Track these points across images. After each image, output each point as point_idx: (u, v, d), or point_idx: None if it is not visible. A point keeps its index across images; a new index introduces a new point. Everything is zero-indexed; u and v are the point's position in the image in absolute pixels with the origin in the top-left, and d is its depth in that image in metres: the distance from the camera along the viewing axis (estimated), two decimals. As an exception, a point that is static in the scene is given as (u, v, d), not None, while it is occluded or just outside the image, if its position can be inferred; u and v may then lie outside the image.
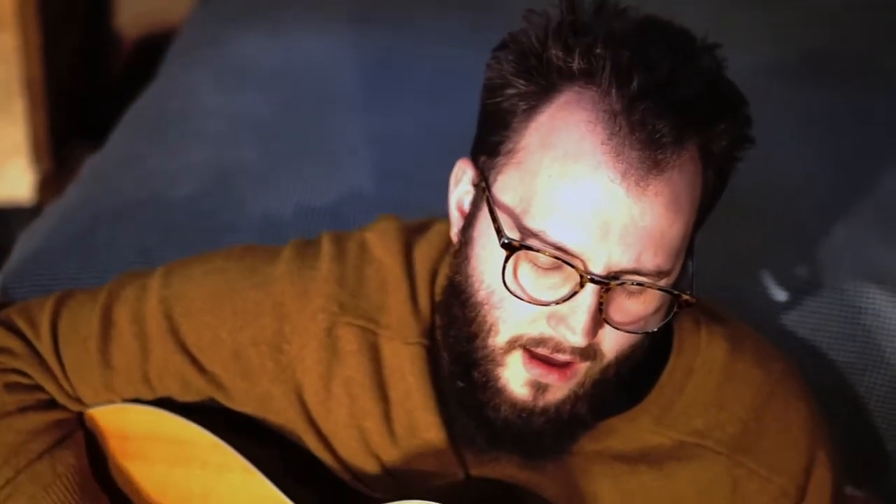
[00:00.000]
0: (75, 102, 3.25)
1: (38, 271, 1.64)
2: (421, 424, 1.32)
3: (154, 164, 1.82)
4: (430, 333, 1.33)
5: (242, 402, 1.36)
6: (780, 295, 1.63)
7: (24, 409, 1.37)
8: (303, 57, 2.06)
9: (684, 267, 1.23)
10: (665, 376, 1.32)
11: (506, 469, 1.31)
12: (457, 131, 1.46)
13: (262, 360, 1.34)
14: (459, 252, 1.26)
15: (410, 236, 1.37)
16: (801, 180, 1.79)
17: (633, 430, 1.31)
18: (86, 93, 3.31)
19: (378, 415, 1.32)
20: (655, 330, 1.22)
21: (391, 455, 1.32)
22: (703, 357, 1.33)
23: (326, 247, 1.36)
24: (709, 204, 1.24)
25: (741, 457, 1.32)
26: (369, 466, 1.33)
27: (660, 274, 1.19)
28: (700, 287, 1.57)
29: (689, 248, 1.24)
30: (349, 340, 1.33)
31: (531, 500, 1.31)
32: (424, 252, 1.35)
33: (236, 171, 1.79)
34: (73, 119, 3.23)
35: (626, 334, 1.21)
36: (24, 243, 1.73)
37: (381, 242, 1.36)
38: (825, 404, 1.57)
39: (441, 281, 1.33)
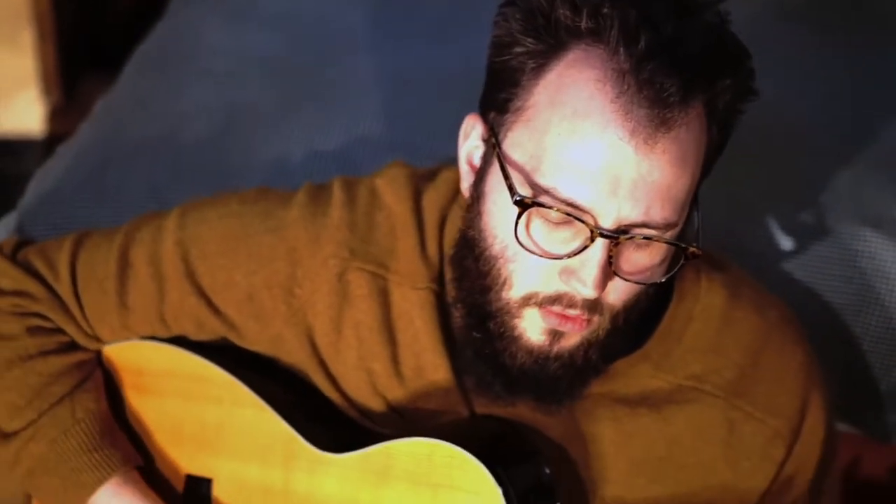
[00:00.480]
0: (85, 33, 3.25)
1: (52, 210, 1.68)
2: (428, 366, 1.36)
3: (163, 104, 1.84)
4: (438, 279, 1.36)
5: (255, 342, 1.40)
6: (780, 239, 1.66)
7: (45, 353, 1.41)
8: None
9: (689, 218, 1.27)
10: (665, 323, 1.36)
11: (510, 408, 1.35)
12: (464, 72, 1.48)
13: (274, 303, 1.38)
14: (472, 207, 1.29)
15: (419, 183, 1.40)
16: (801, 126, 1.80)
17: (634, 374, 1.35)
18: (95, 23, 3.31)
19: (386, 357, 1.36)
20: (662, 280, 1.25)
21: (398, 395, 1.37)
22: (702, 304, 1.37)
23: (338, 193, 1.39)
24: (713, 156, 1.27)
25: (737, 400, 1.36)
26: (377, 406, 1.38)
27: (667, 226, 1.22)
28: (702, 232, 1.60)
29: (694, 200, 1.27)
30: (359, 285, 1.36)
31: (534, 438, 1.35)
32: (433, 199, 1.38)
33: (244, 111, 1.80)
34: (83, 50, 3.24)
35: (633, 285, 1.24)
36: (38, 182, 1.76)
37: (390, 189, 1.39)
38: (822, 345, 1.61)
39: (450, 228, 1.36)
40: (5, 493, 1.46)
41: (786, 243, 1.66)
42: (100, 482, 1.38)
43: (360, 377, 1.37)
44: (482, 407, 1.36)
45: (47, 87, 3.21)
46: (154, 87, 1.89)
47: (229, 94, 1.83)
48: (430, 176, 1.41)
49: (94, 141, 1.80)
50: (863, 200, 1.69)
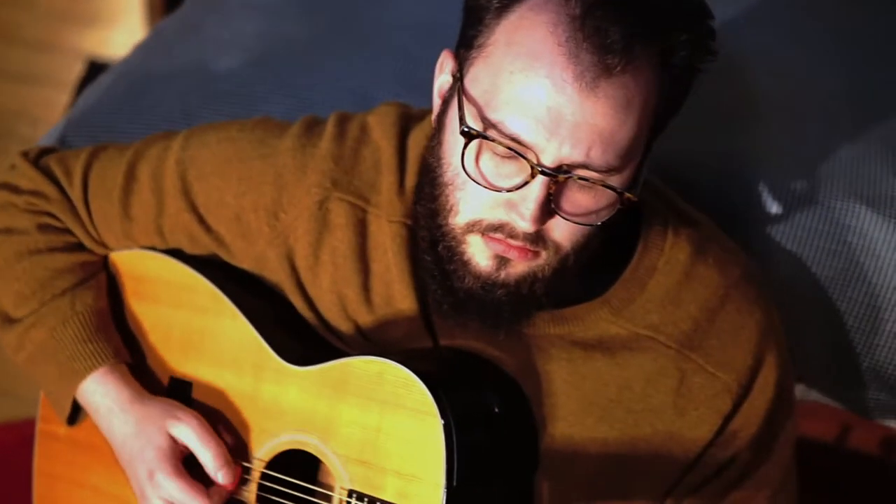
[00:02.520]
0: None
1: (92, 123, 1.80)
2: (396, 296, 1.44)
3: (207, 32, 1.92)
4: (413, 214, 1.44)
5: (241, 259, 1.50)
6: (772, 205, 1.66)
7: (53, 249, 1.54)
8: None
9: (640, 168, 1.32)
10: (628, 272, 1.42)
11: (471, 342, 1.43)
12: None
13: (259, 225, 1.47)
14: (433, 136, 1.36)
15: (408, 122, 1.48)
16: (816, 93, 1.79)
17: (593, 318, 1.42)
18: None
19: (358, 284, 1.45)
20: (598, 224, 1.31)
21: (366, 321, 1.45)
22: (666, 257, 1.42)
23: (330, 127, 1.48)
24: (668, 110, 1.32)
25: (689, 352, 1.42)
26: (347, 328, 1.46)
27: (609, 170, 1.28)
28: (692, 190, 1.63)
29: (646, 151, 1.32)
30: (339, 214, 1.45)
31: (490, 368, 1.42)
32: (418, 138, 1.46)
33: (280, 44, 1.88)
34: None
35: (579, 225, 1.31)
36: (85, 96, 1.87)
37: (379, 126, 1.47)
38: (806, 318, 1.64)
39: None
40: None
41: (777, 210, 1.66)
42: (89, 370, 1.49)
43: (333, 300, 1.46)
44: (445, 339, 1.44)
45: (152, 15, 3.35)
46: (202, 16, 1.97)
47: (267, 27, 1.91)
48: (420, 116, 1.49)
49: (139, 62, 1.90)
50: (860, 175, 1.67)
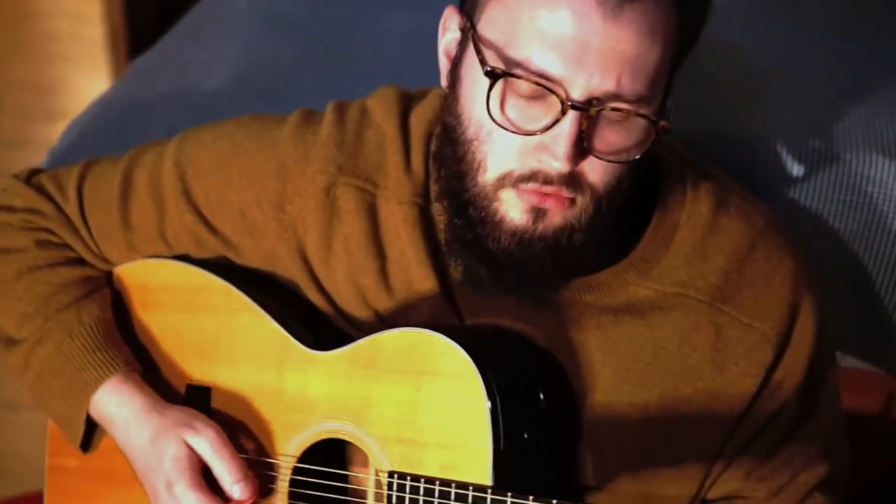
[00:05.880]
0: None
1: (78, 154, 1.75)
2: (416, 278, 1.39)
3: (188, 57, 1.91)
4: (423, 193, 1.39)
5: (251, 258, 1.45)
6: (790, 165, 1.64)
7: (53, 265, 1.48)
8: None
9: (664, 104, 1.28)
10: (650, 232, 1.37)
11: (497, 319, 1.37)
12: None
13: (266, 219, 1.42)
14: (449, 94, 1.32)
15: (409, 102, 1.44)
16: (819, 57, 1.79)
17: (619, 283, 1.37)
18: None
19: (374, 271, 1.39)
20: (638, 157, 1.26)
21: (388, 307, 1.40)
22: (687, 212, 1.38)
23: (329, 114, 1.44)
24: (687, 40, 1.29)
25: (723, 305, 1.36)
26: (368, 317, 1.41)
27: (639, 99, 1.24)
28: (710, 157, 1.59)
29: (668, 87, 1.29)
30: (347, 200, 1.40)
31: (522, 341, 1.36)
32: (420, 116, 1.42)
33: (265, 65, 1.86)
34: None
35: (611, 165, 1.26)
36: (69, 130, 1.84)
37: (380, 108, 1.43)
38: (832, 274, 1.59)
39: (435, 143, 1.39)
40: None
41: (795, 170, 1.63)
42: (101, 379, 1.43)
43: (351, 290, 1.41)
44: (471, 318, 1.39)
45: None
46: (183, 47, 1.96)
47: (250, 49, 1.90)
48: (420, 95, 1.45)
49: (122, 92, 1.89)
50: (873, 129, 1.66)
